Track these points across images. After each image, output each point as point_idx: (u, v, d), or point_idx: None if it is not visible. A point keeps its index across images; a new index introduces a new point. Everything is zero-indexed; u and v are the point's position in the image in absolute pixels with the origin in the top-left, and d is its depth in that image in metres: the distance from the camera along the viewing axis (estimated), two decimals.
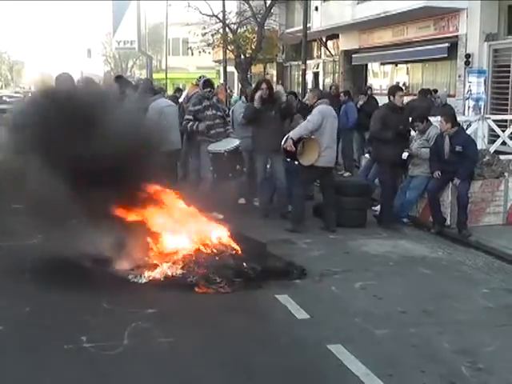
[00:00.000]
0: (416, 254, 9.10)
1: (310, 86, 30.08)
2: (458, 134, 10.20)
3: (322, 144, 10.01)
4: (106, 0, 57.77)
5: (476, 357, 5.62)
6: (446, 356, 5.63)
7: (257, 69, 36.29)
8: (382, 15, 21.26)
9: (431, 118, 11.25)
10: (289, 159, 10.47)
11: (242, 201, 12.17)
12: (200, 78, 12.04)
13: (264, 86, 11.09)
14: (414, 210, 10.94)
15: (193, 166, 11.52)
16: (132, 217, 7.72)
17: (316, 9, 26.77)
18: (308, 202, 11.03)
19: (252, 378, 5.24)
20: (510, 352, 5.78)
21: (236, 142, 10.65)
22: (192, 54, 30.57)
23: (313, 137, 10.03)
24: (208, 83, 11.12)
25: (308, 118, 10.23)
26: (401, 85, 23.17)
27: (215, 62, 43.47)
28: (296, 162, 10.24)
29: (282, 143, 10.08)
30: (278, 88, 11.57)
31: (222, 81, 33.01)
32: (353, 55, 26.48)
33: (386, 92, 17.38)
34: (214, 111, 10.90)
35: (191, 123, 10.82)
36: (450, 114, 10.74)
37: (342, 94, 17.16)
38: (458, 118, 11.28)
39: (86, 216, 7.36)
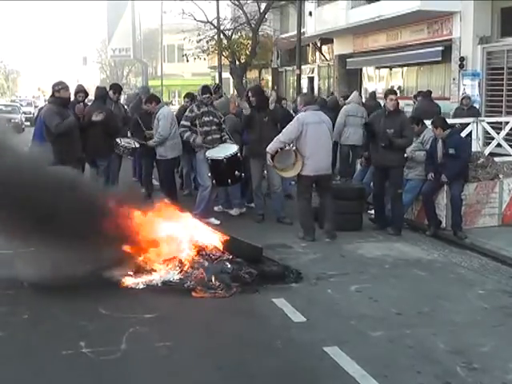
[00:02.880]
0: (411, 257, 9.14)
1: (305, 90, 30.17)
2: (452, 136, 10.24)
3: (304, 153, 9.76)
4: (100, 7, 57.79)
5: (471, 357, 5.67)
6: (441, 356, 5.68)
7: (252, 74, 36.40)
8: (376, 19, 21.36)
9: (427, 121, 11.31)
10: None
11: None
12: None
13: (249, 93, 11.22)
14: (410, 213, 10.99)
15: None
16: (129, 224, 7.78)
17: (310, 14, 26.86)
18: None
19: (250, 381, 5.28)
20: (504, 352, 5.82)
21: (235, 148, 10.69)
22: (187, 61, 30.57)
23: (290, 147, 9.88)
24: (206, 89, 11.19)
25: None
26: (396, 88, 23.40)
27: (210, 68, 43.61)
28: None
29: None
30: (273, 95, 11.55)
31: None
32: (347, 59, 26.55)
33: (380, 96, 17.52)
34: (211, 117, 10.96)
35: (188, 134, 10.89)
36: (439, 119, 10.74)
37: (341, 99, 17.16)
38: (453, 121, 11.32)
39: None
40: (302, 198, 10.18)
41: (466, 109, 15.83)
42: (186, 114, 11.18)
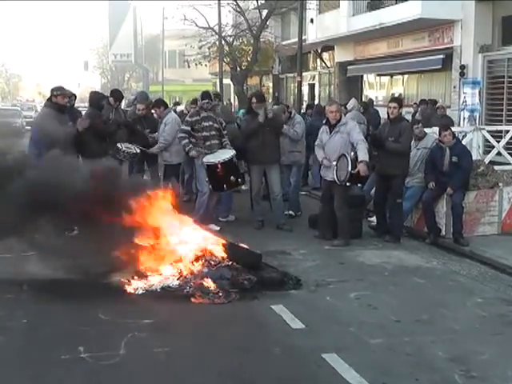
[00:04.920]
0: (411, 264, 9.14)
1: (305, 98, 30.24)
2: (456, 145, 10.30)
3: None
4: (102, 12, 58.11)
5: (469, 365, 5.67)
6: (439, 364, 5.68)
7: (253, 81, 36.47)
8: (377, 27, 21.40)
9: (427, 129, 11.31)
10: (348, 183, 9.82)
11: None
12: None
13: (253, 99, 11.16)
14: (409, 221, 10.99)
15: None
16: (128, 228, 7.80)
17: (311, 21, 26.95)
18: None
19: None
20: (503, 360, 5.82)
21: (231, 153, 10.65)
22: (188, 67, 30.63)
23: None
24: (206, 95, 11.20)
25: (357, 136, 9.93)
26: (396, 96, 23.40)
27: (212, 74, 43.64)
28: (359, 185, 10.25)
29: (349, 169, 9.60)
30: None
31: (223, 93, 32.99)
32: (348, 67, 26.61)
33: (381, 103, 17.57)
34: (210, 122, 10.94)
35: (186, 141, 10.87)
36: (450, 126, 10.82)
37: (343, 108, 17.14)
38: (453, 129, 11.35)
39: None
40: (346, 207, 10.15)
41: (440, 118, 15.90)
42: (187, 118, 11.19)
